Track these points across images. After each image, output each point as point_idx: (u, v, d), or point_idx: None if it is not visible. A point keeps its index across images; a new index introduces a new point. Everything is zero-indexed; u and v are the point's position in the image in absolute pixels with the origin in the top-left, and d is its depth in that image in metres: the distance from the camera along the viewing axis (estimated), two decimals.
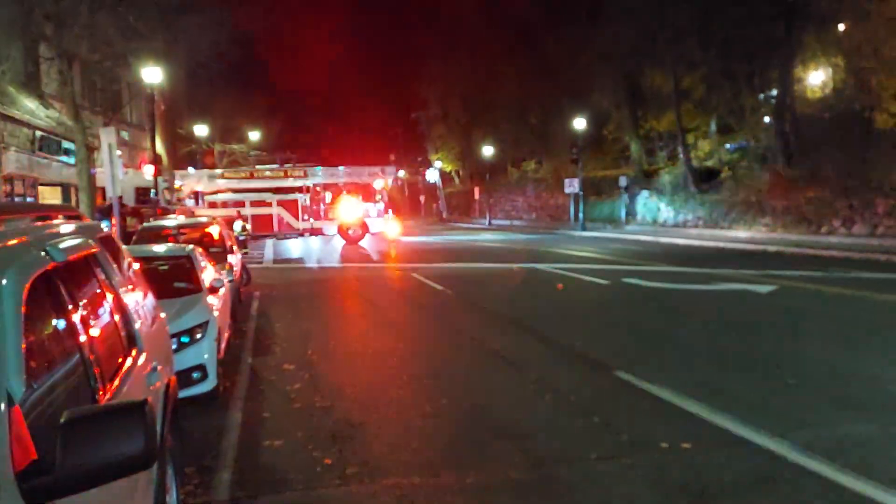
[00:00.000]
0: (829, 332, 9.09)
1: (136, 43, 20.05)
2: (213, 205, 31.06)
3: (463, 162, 59.02)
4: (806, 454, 4.75)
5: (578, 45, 36.25)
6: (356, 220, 32.04)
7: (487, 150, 49.12)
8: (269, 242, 31.19)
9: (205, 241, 11.96)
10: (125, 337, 3.24)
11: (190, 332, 6.44)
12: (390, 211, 33.96)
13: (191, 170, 36.64)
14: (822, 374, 6.93)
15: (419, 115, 60.42)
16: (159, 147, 32.57)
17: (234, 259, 12.35)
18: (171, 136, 42.68)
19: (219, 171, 33.76)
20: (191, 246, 8.76)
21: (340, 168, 34.75)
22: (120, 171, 14.87)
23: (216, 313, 7.07)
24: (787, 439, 5.02)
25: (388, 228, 33.25)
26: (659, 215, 33.80)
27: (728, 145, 33.42)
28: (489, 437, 5.46)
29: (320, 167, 34.58)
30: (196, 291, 7.43)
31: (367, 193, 33.13)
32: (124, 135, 30.22)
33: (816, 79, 28.69)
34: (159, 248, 9.30)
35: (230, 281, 9.87)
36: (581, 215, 34.85)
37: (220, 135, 47.15)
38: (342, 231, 31.88)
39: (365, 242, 31.20)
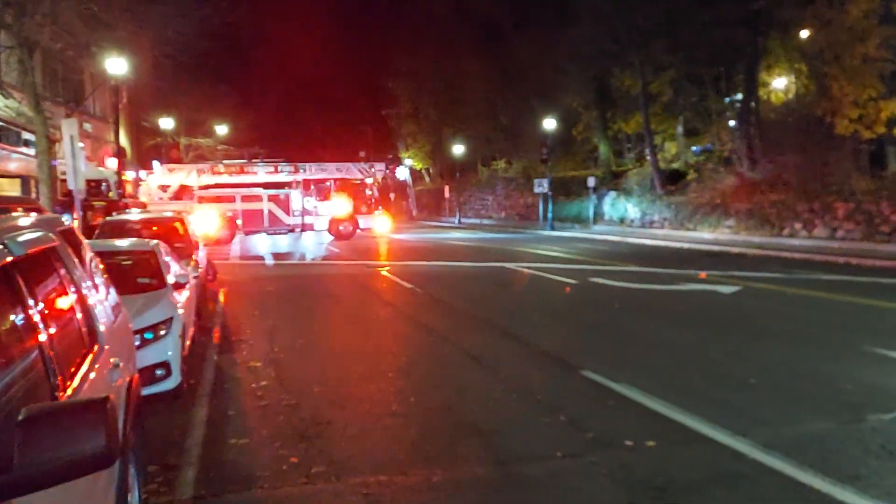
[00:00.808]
0: (790, 332, 9.29)
1: (100, 32, 19.63)
2: (203, 200, 30.62)
3: (433, 160, 59.00)
4: (766, 452, 4.84)
5: (548, 46, 36.48)
6: (347, 215, 32.05)
7: (458, 149, 49.14)
8: (237, 238, 30.83)
9: (169, 237, 11.79)
10: (86, 333, 3.17)
11: (154, 328, 6.33)
12: (381, 207, 33.87)
13: (155, 165, 35.98)
14: (783, 374, 7.08)
15: (389, 112, 60.21)
16: (123, 140, 31.93)
17: (200, 255, 12.18)
18: (135, 129, 41.90)
19: (207, 165, 33.11)
20: (155, 241, 8.61)
21: (331, 164, 34.67)
22: (82, 164, 14.57)
23: (181, 310, 6.96)
24: (749, 437, 5.12)
25: (379, 225, 33.24)
26: (626, 216, 34.20)
27: (694, 148, 33.96)
28: (457, 435, 5.46)
29: (312, 163, 34.38)
30: (160, 287, 7.31)
31: (357, 190, 33.01)
32: (87, 127, 29.60)
33: (780, 84, 29.32)
34: (122, 243, 9.11)
35: (195, 277, 9.73)
36: (550, 215, 35.09)
37: (186, 128, 46.38)
38: (333, 227, 31.83)
39: (343, 239, 31.05)
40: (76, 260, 3.46)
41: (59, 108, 25.78)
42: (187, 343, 7.32)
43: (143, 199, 30.23)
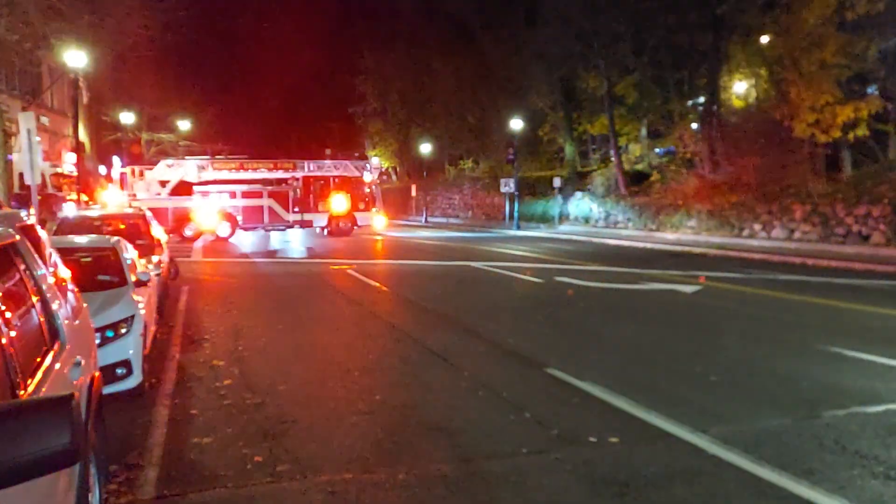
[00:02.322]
0: (749, 330, 9.50)
1: (59, 24, 19.16)
2: (204, 195, 30.45)
3: (400, 159, 58.87)
4: (725, 447, 4.96)
5: (516, 47, 36.72)
6: (345, 212, 32.50)
7: (425, 148, 49.11)
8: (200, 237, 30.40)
9: (131, 234, 11.59)
10: (47, 330, 3.11)
11: (114, 326, 6.23)
12: (378, 204, 34.41)
13: (115, 161, 35.32)
14: (742, 371, 7.25)
15: (356, 109, 59.88)
16: (82, 134, 31.27)
17: (162, 252, 12.00)
18: (95, 124, 41.01)
19: (206, 160, 32.79)
20: (116, 237, 8.46)
21: (328, 161, 35.03)
22: (39, 158, 14.24)
23: (142, 307, 6.85)
24: (708, 433, 5.24)
25: (376, 221, 33.77)
26: (591, 216, 34.58)
27: (657, 150, 34.50)
28: (422, 432, 5.48)
29: (310, 161, 34.66)
30: (121, 285, 7.19)
31: (354, 187, 33.42)
32: (44, 120, 28.91)
33: (741, 88, 29.95)
34: (83, 240, 8.94)
35: (157, 274, 9.58)
36: (516, 214, 35.31)
37: (147, 123, 45.59)
38: (332, 223, 32.19)
39: (299, 236, 30.89)
40: (36, 256, 3.39)
41: (15, 100, 25.14)
42: (149, 341, 7.21)
43: (141, 194, 29.88)
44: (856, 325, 9.89)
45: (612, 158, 34.21)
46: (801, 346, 8.44)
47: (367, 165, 35.77)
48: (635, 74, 31.59)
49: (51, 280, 3.55)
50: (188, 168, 31.25)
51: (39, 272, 3.31)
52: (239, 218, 30.54)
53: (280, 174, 32.94)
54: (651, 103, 32.65)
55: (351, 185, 33.26)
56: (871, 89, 23.46)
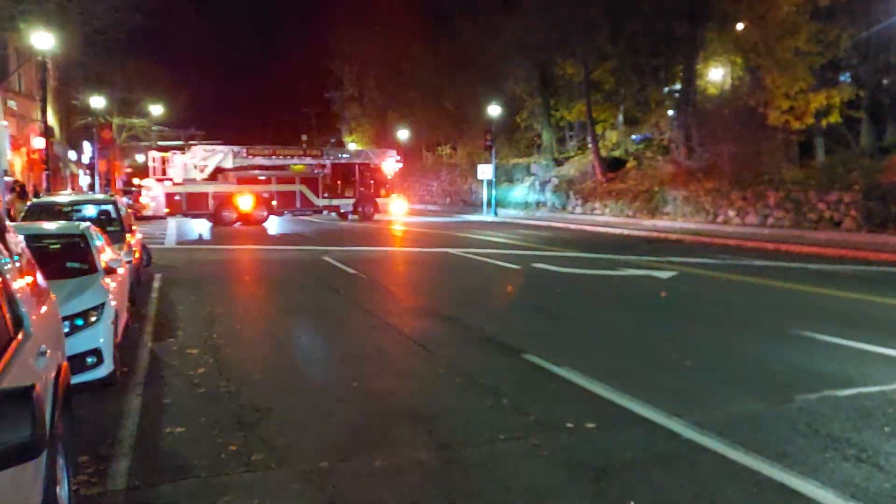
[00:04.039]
0: (723, 315, 9.60)
1: (26, 5, 18.68)
2: (241, 181, 31.32)
3: (377, 145, 58.54)
4: (700, 432, 5.00)
5: (494, 33, 36.61)
6: (369, 198, 34.18)
7: (402, 134, 48.91)
8: (173, 222, 30.05)
9: (101, 220, 11.40)
10: (10, 319, 3.02)
11: (84, 314, 6.08)
12: (396, 191, 36.23)
13: (85, 146, 34.70)
14: (716, 356, 7.32)
15: (333, 94, 59.38)
16: (51, 119, 30.63)
17: (134, 239, 11.81)
18: (64, 108, 40.16)
19: (243, 147, 33.59)
20: (86, 224, 8.28)
21: (352, 149, 37.12)
22: (7, 143, 13.91)
23: (113, 295, 6.71)
24: (684, 418, 5.27)
25: (396, 206, 35.41)
26: (568, 203, 34.71)
27: (634, 136, 34.67)
28: (399, 420, 5.45)
29: (335, 149, 36.35)
30: (91, 272, 7.04)
31: (375, 174, 34.74)
32: (11, 104, 28.23)
33: (716, 75, 30.15)
34: (51, 226, 8.74)
35: (129, 261, 9.41)
36: (493, 201, 35.33)
37: (118, 108, 44.74)
38: (357, 208, 33.71)
39: (274, 222, 30.71)
40: None
41: None
42: (120, 330, 7.08)
43: (178, 180, 30.67)
44: (828, 310, 10.03)
45: (590, 145, 34.33)
46: (775, 331, 8.53)
47: (390, 154, 36.94)
48: (612, 61, 31.66)
49: (14, 267, 3.44)
50: (225, 154, 32.12)
51: (2, 260, 3.21)
52: (273, 203, 31.62)
53: (309, 161, 34.37)
54: (628, 90, 32.79)
55: (373, 173, 34.68)
56: (844, 77, 23.76)
